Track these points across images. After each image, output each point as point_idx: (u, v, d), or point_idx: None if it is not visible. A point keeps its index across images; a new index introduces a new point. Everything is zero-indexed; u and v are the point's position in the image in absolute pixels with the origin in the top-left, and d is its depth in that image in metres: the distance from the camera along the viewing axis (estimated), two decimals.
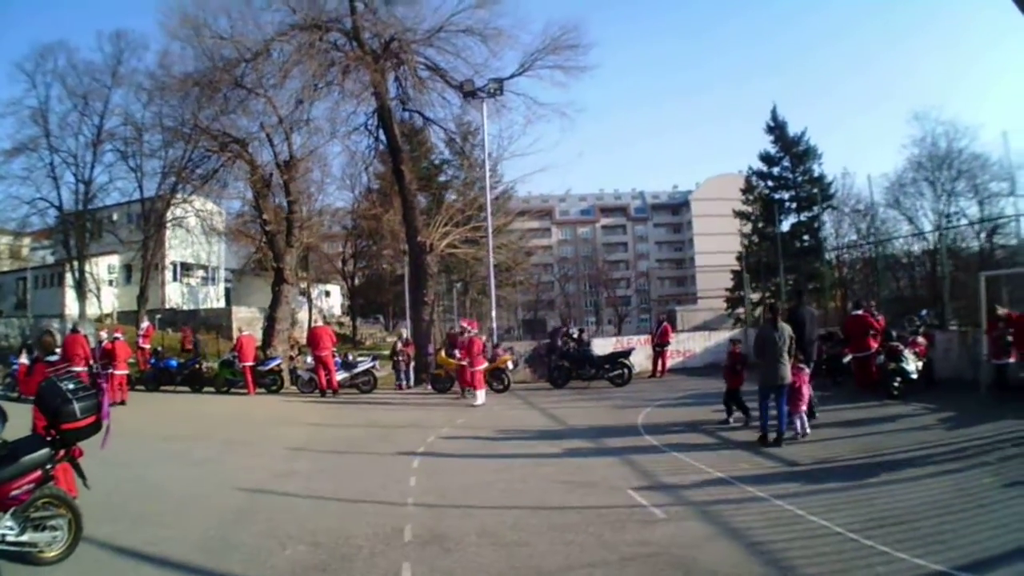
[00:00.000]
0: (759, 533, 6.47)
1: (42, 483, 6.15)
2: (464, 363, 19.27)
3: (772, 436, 11.03)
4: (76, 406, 6.33)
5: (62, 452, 6.38)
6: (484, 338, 21.81)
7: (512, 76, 27.31)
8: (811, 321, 13.60)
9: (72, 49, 44.88)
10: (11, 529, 5.89)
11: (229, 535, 7.14)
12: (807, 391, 11.74)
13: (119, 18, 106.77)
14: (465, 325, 20.93)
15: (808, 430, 11.44)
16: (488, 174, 28.86)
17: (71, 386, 6.53)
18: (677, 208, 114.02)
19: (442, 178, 46.59)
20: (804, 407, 11.57)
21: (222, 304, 52.11)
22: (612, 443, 11.81)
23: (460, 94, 27.66)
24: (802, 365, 11.82)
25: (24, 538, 5.99)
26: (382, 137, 28.34)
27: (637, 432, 12.94)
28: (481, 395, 18.40)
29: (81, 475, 6.60)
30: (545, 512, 7.62)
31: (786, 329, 11.37)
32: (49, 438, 6.36)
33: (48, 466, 6.21)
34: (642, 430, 13.12)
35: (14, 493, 5.90)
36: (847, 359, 17.10)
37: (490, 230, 27.44)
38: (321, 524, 7.42)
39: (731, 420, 13.21)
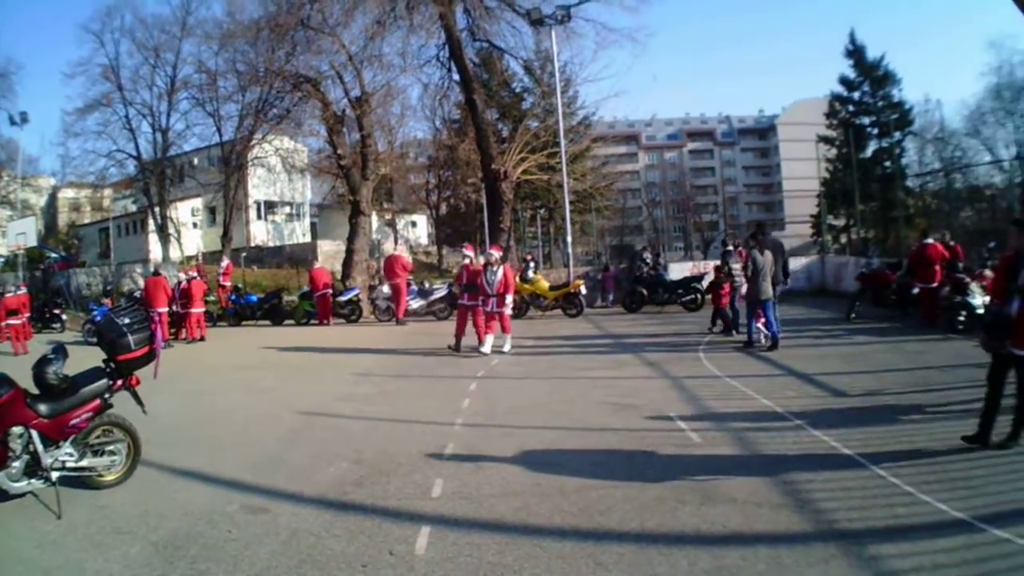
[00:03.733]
0: (787, 463, 6.45)
1: (100, 411, 6.50)
2: (475, 304, 14.91)
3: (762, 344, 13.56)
4: (131, 338, 6.61)
5: (119, 382, 6.67)
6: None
7: (580, 2, 26.87)
8: (777, 250, 14.52)
9: (137, 5, 45.63)
10: (71, 455, 6.30)
11: (281, 455, 7.54)
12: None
13: None
14: (468, 251, 16.78)
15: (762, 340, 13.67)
16: (560, 100, 28.56)
17: (126, 320, 6.79)
18: (764, 133, 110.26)
19: (524, 106, 46.24)
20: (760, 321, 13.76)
21: (308, 239, 52.85)
22: (669, 367, 11.91)
23: (528, 22, 27.37)
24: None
25: (83, 463, 6.41)
26: (454, 68, 28.31)
27: (696, 357, 13.01)
28: (508, 341, 14.76)
29: (139, 402, 6.92)
30: (584, 433, 7.79)
31: (768, 255, 13.68)
32: (108, 369, 6.67)
33: (106, 395, 6.53)
34: (702, 355, 13.18)
35: (74, 422, 6.26)
36: (916, 290, 16.56)
37: (563, 155, 27.17)
38: (369, 443, 7.77)
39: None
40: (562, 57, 27.64)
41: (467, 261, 15.95)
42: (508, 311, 14.78)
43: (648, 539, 4.95)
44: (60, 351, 6.61)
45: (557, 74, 27.95)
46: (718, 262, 17.33)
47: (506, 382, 11.45)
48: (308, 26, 26.89)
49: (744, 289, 14.18)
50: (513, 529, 5.20)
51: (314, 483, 6.49)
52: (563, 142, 27.27)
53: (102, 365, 6.74)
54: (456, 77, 29.18)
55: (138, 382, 6.89)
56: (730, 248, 17.30)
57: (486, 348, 14.29)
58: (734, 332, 15.54)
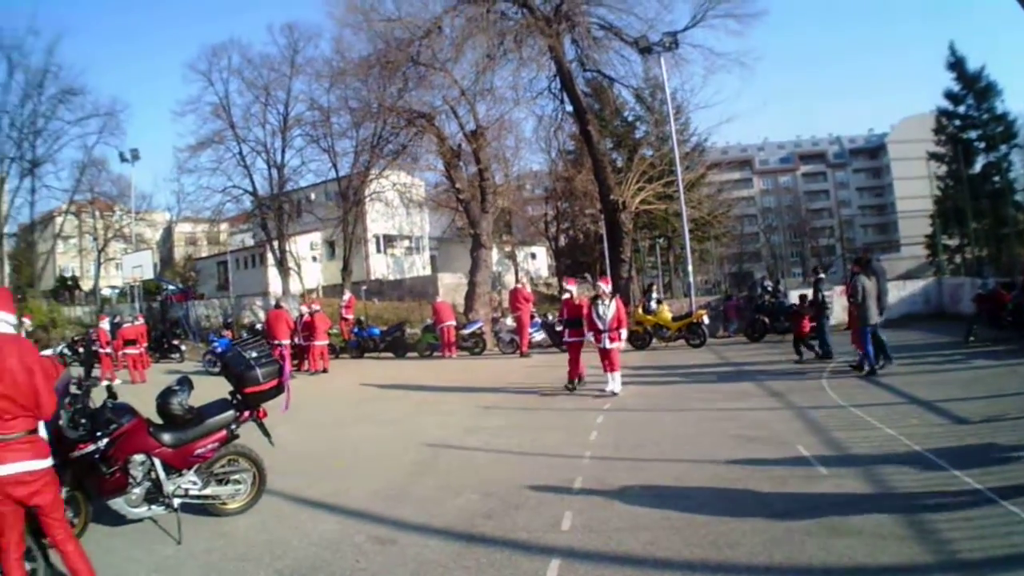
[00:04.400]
0: (913, 496, 6.19)
1: (227, 442, 6.67)
2: (579, 340, 14.20)
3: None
4: (259, 371, 6.73)
5: (246, 413, 6.84)
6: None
7: (686, 28, 26.88)
8: (881, 276, 14.21)
9: (244, 45, 47.77)
10: (194, 483, 6.47)
11: (408, 486, 7.58)
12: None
13: (281, 11, 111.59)
14: (570, 286, 15.50)
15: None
16: (674, 127, 28.35)
17: (254, 354, 6.94)
18: (875, 152, 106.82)
19: (637, 135, 46.03)
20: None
21: (427, 272, 53.59)
22: (793, 397, 11.58)
23: (636, 50, 27.31)
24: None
25: (207, 491, 6.59)
26: (566, 100, 28.41)
27: (820, 386, 12.67)
28: (617, 380, 13.33)
29: (266, 434, 7.07)
30: (711, 466, 7.59)
31: (873, 281, 13.63)
32: (234, 401, 6.85)
33: (233, 426, 6.70)
34: (825, 383, 12.83)
35: (198, 451, 6.45)
36: None
37: (680, 183, 26.92)
38: (497, 476, 7.73)
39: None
40: (672, 84, 27.48)
41: (567, 296, 15.08)
42: (619, 346, 13.45)
43: (776, 572, 4.83)
44: (185, 383, 6.81)
45: (669, 102, 27.88)
46: (834, 289, 17.06)
47: (633, 414, 11.28)
48: (418, 62, 27.42)
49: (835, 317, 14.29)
50: (642, 562, 5.10)
51: (442, 515, 6.49)
52: (679, 169, 26.98)
53: (228, 397, 6.92)
54: (569, 108, 29.34)
55: (265, 414, 7.05)
56: (822, 276, 17.17)
57: (613, 386, 13.19)
58: (830, 359, 15.51)
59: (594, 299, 13.67)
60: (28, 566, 4.57)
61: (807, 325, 16.23)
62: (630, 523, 5.93)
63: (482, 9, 26.05)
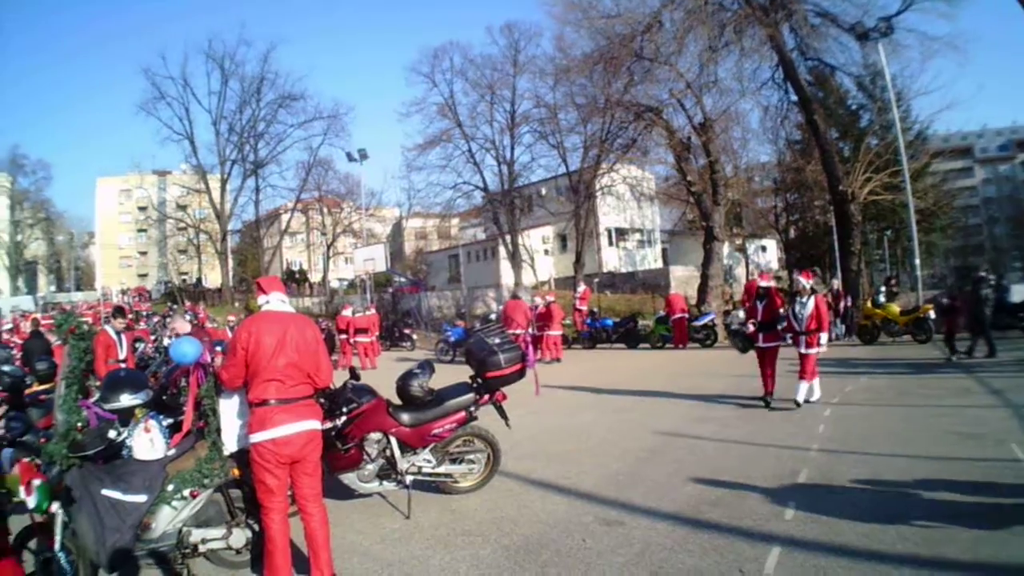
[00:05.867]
0: None
1: (465, 423, 6.94)
2: (773, 345, 11.92)
3: None
4: (501, 357, 6.95)
5: (486, 397, 7.07)
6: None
7: (898, 12, 25.12)
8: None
9: (464, 47, 49.80)
10: (428, 462, 6.83)
11: (638, 471, 7.70)
12: None
13: (499, 13, 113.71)
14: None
15: None
16: (897, 115, 26.82)
17: (496, 340, 7.19)
18: None
19: (861, 124, 43.98)
20: None
21: (659, 264, 53.30)
22: (1011, 395, 10.94)
23: (854, 37, 26.17)
24: None
25: (440, 470, 6.93)
26: (790, 90, 27.61)
27: None
28: (814, 387, 11.60)
29: (504, 417, 7.31)
30: (931, 461, 7.33)
31: None
32: (474, 384, 7.10)
33: (472, 409, 6.96)
34: None
35: (436, 431, 6.75)
36: None
37: (906, 173, 25.47)
38: (725, 464, 7.73)
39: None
40: (891, 70, 25.93)
41: (767, 289, 12.23)
42: (818, 350, 11.41)
43: (988, 570, 4.71)
44: (426, 367, 7.22)
45: (891, 89, 26.33)
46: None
47: (860, 408, 10.89)
48: (642, 57, 27.49)
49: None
50: (857, 554, 5.07)
51: (670, 500, 6.56)
52: (904, 158, 25.56)
53: (468, 381, 7.19)
54: (793, 98, 28.41)
55: (504, 397, 7.27)
56: (983, 274, 16.51)
57: (804, 395, 11.27)
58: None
59: (792, 296, 11.95)
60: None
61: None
62: (848, 515, 5.85)
63: (700, 1, 25.71)
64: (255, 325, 5.01)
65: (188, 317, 24.86)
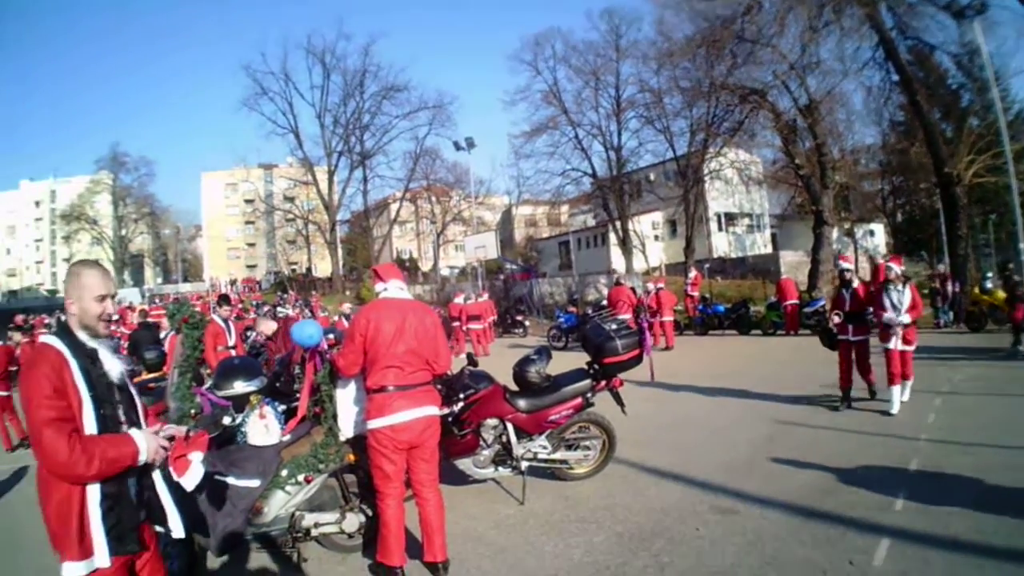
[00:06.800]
0: None
1: (581, 409, 7.05)
2: (862, 339, 10.46)
3: None
4: (618, 343, 7.05)
5: (603, 383, 7.18)
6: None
7: None
8: None
9: (565, 33, 48.55)
10: (544, 448, 6.97)
11: (753, 459, 7.75)
12: None
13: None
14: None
15: None
16: (997, 94, 25.73)
17: (613, 326, 7.31)
18: None
19: (962, 104, 42.45)
20: None
21: (768, 249, 52.67)
22: None
23: (950, 14, 25.24)
24: None
25: (556, 456, 7.06)
26: (891, 70, 26.89)
27: None
28: (899, 393, 9.96)
29: (620, 403, 7.36)
30: None
31: None
32: (591, 371, 7.22)
33: (588, 395, 7.08)
34: None
35: (552, 417, 6.89)
36: None
37: (1008, 154, 24.34)
38: (840, 453, 7.70)
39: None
40: (987, 48, 24.87)
41: (847, 275, 10.62)
42: (916, 346, 10.23)
43: None
44: (543, 353, 7.39)
45: (989, 67, 25.26)
46: None
47: (970, 398, 10.60)
48: (744, 38, 27.40)
49: None
50: (964, 547, 5.05)
51: (784, 489, 6.60)
52: (1007, 139, 24.47)
53: (585, 367, 7.32)
54: (895, 78, 27.60)
55: (621, 384, 7.37)
56: None
57: (894, 406, 9.77)
58: None
59: (885, 284, 10.10)
60: None
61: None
62: (959, 506, 5.81)
63: None
64: (374, 312, 5.16)
65: (290, 310, 25.69)
